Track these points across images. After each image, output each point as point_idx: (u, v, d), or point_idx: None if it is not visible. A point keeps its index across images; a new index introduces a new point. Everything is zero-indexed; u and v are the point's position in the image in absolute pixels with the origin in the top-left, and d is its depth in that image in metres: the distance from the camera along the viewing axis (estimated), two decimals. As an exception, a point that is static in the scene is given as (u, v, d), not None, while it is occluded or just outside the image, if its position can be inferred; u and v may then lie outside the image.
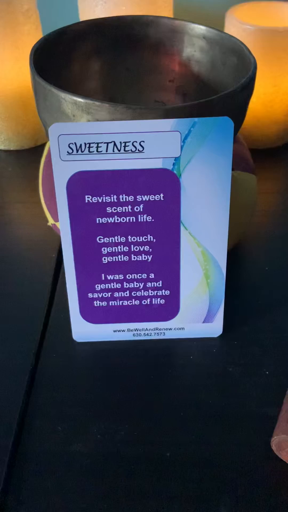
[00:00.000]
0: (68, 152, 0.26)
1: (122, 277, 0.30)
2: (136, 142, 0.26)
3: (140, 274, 0.30)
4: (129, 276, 0.30)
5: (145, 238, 0.29)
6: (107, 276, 0.30)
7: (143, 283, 0.30)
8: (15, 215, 0.42)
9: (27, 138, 0.49)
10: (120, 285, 0.30)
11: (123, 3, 0.42)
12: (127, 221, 0.28)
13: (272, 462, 0.25)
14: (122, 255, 0.29)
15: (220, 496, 0.24)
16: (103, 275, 0.30)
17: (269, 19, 0.47)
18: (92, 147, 0.26)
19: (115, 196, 0.27)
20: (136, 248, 0.29)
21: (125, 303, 0.31)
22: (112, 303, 0.31)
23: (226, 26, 0.45)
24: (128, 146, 0.26)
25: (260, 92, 0.45)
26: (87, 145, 0.26)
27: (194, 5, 0.54)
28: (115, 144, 0.26)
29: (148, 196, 0.27)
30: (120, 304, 0.31)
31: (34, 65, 0.29)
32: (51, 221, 0.36)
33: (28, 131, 0.49)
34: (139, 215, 0.28)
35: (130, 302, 0.31)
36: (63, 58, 0.34)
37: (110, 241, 0.29)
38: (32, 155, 0.49)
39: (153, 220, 0.28)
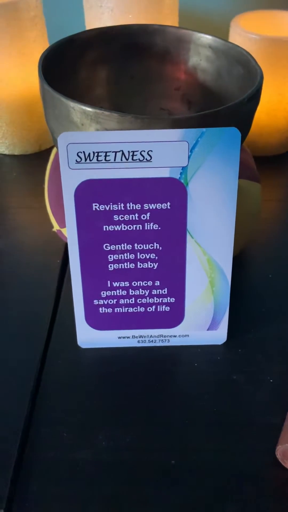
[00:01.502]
0: (76, 160, 0.26)
1: (128, 284, 0.30)
2: (144, 151, 0.26)
3: (146, 282, 0.30)
4: (134, 283, 0.30)
5: (151, 246, 0.29)
6: (113, 283, 0.30)
7: (148, 290, 0.30)
8: (20, 220, 0.43)
9: (31, 143, 0.50)
10: (125, 292, 0.30)
11: (130, 11, 0.42)
12: (134, 229, 0.28)
13: (277, 471, 0.25)
14: (128, 263, 0.29)
15: (224, 505, 0.24)
16: (109, 282, 0.30)
17: (274, 28, 0.48)
18: (100, 156, 0.26)
19: (122, 204, 0.27)
20: (142, 256, 0.29)
21: (130, 310, 0.31)
22: (117, 309, 0.31)
23: (231, 34, 0.46)
24: (136, 155, 0.26)
25: (264, 101, 0.45)
26: (96, 154, 0.26)
27: (199, 13, 0.55)
28: (123, 153, 0.26)
29: (155, 204, 0.28)
30: (126, 311, 0.31)
31: (43, 73, 0.29)
32: (56, 227, 0.37)
33: (32, 136, 0.49)
34: (146, 223, 0.28)
35: (135, 309, 0.31)
36: (71, 65, 0.35)
37: (117, 248, 0.29)
38: (37, 160, 0.49)
39: (159, 228, 0.28)
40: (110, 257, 0.29)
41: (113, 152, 0.26)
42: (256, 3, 0.54)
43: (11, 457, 0.26)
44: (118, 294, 0.30)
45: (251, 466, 0.26)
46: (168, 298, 0.30)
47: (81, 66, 0.36)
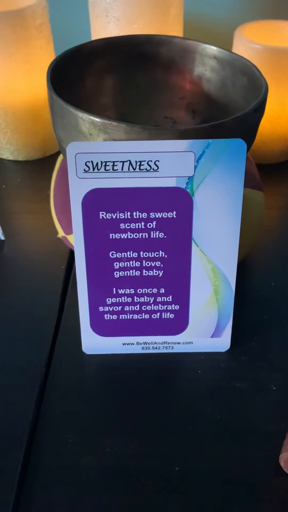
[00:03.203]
0: (84, 170, 0.26)
1: (133, 291, 0.30)
2: (151, 161, 0.26)
3: (151, 289, 0.30)
4: (140, 291, 0.30)
5: (156, 254, 0.29)
6: (118, 290, 0.30)
7: (153, 298, 0.30)
8: (24, 226, 0.43)
9: (36, 149, 0.50)
10: (130, 299, 0.30)
11: (135, 21, 0.43)
12: (140, 237, 0.29)
13: (281, 478, 0.26)
14: (134, 270, 0.30)
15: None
16: (114, 289, 0.30)
17: (277, 38, 0.48)
18: (108, 165, 0.26)
19: (128, 213, 0.28)
20: (148, 264, 0.29)
21: (135, 316, 0.31)
22: (122, 316, 0.31)
23: (234, 44, 0.46)
24: (143, 165, 0.26)
25: (267, 109, 0.46)
26: (103, 164, 0.26)
27: (203, 23, 0.55)
28: (130, 163, 0.26)
29: (161, 213, 0.28)
30: (130, 317, 0.31)
31: (51, 83, 0.30)
32: (61, 233, 0.37)
33: (37, 142, 0.50)
34: (152, 232, 0.28)
35: (140, 316, 0.31)
36: (78, 74, 0.35)
37: (123, 256, 0.29)
38: (41, 166, 0.50)
39: (165, 236, 0.29)
40: (116, 264, 0.29)
41: (120, 161, 0.26)
42: (260, 13, 0.55)
43: (17, 462, 0.26)
44: (123, 301, 0.30)
45: (254, 474, 0.26)
46: (173, 305, 0.31)
47: (88, 75, 0.36)
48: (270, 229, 0.43)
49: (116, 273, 0.30)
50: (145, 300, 0.31)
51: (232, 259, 0.29)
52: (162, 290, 0.30)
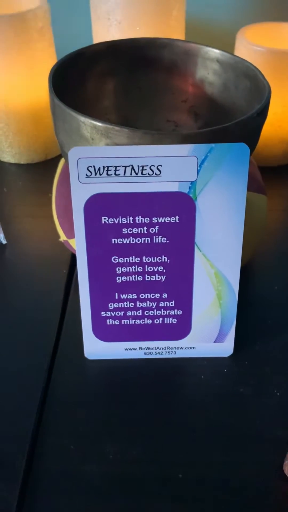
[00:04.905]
0: (86, 174, 0.26)
1: (136, 297, 0.30)
2: (154, 166, 0.26)
3: (153, 294, 0.30)
4: (142, 296, 0.30)
5: (159, 259, 0.29)
6: (121, 295, 0.30)
7: (156, 303, 0.30)
8: (26, 230, 0.43)
9: (37, 153, 0.50)
10: (133, 304, 0.30)
11: (137, 24, 0.43)
12: (142, 242, 0.28)
13: (284, 485, 0.26)
14: (136, 275, 0.29)
15: (232, 519, 0.25)
16: (116, 294, 0.30)
17: (279, 40, 0.48)
18: (110, 170, 0.26)
19: (131, 218, 0.28)
20: (150, 269, 0.29)
21: (138, 322, 0.31)
22: (124, 321, 0.31)
23: (236, 47, 0.46)
24: (145, 169, 0.26)
25: (269, 112, 0.46)
26: (106, 168, 0.26)
27: (205, 26, 0.55)
28: (133, 168, 0.26)
29: (164, 218, 0.28)
30: (133, 322, 0.31)
31: (53, 86, 0.30)
32: (63, 237, 0.37)
33: (39, 145, 0.49)
34: (154, 237, 0.28)
35: (142, 321, 0.31)
36: (79, 77, 0.35)
37: (125, 261, 0.29)
38: (42, 169, 0.49)
39: (167, 241, 0.28)
40: (118, 269, 0.29)
41: (123, 166, 0.26)
42: (262, 15, 0.55)
43: (19, 469, 0.26)
44: (125, 306, 0.30)
45: (258, 480, 0.26)
46: (176, 310, 0.31)
47: (89, 78, 0.36)
48: (273, 232, 0.42)
49: (118, 278, 0.29)
50: (148, 305, 0.30)
51: (235, 263, 0.29)
52: (165, 295, 0.30)
